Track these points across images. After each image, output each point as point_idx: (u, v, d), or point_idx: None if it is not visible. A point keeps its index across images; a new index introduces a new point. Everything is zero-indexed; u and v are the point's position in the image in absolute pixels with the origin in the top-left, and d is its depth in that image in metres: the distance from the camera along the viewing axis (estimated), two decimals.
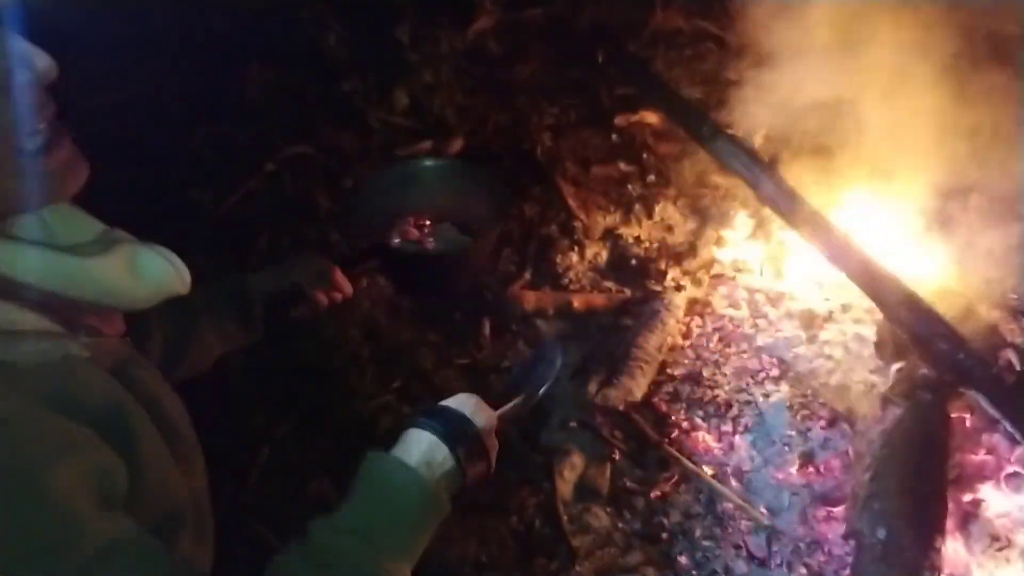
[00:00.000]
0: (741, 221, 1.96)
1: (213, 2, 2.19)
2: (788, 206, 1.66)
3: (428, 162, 1.47)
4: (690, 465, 1.57)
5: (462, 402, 0.92)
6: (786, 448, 1.57)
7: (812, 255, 1.74)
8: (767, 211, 1.90)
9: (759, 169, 1.70)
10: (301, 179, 2.03)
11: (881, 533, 1.27)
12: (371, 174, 1.56)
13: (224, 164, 2.01)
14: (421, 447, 0.84)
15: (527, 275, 1.94)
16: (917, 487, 1.32)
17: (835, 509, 1.46)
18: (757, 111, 2.09)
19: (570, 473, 1.61)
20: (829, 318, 1.71)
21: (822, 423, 1.57)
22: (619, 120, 2.18)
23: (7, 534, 0.57)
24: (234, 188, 1.95)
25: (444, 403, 0.91)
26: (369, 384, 1.68)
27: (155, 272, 0.78)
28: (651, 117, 2.17)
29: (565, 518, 1.55)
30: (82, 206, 0.80)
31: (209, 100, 2.07)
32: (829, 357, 1.66)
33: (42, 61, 0.65)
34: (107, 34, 1.91)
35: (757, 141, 1.90)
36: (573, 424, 1.66)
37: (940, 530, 1.28)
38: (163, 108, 1.98)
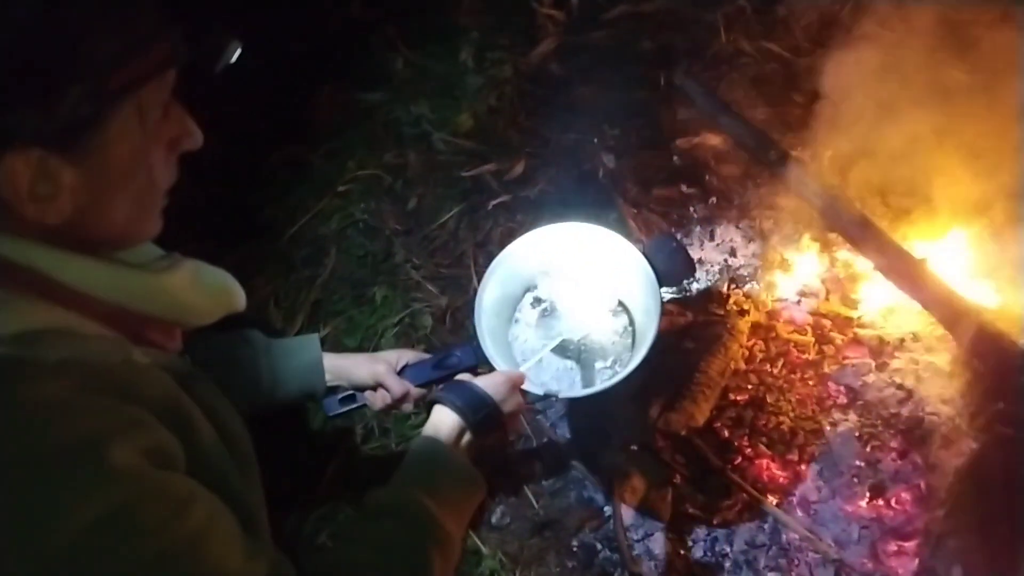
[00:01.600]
0: (806, 244, 1.93)
1: (290, 29, 2.29)
2: (858, 232, 1.63)
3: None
4: (754, 493, 1.55)
5: (494, 383, 1.10)
6: (855, 479, 1.53)
7: (882, 280, 1.71)
8: (834, 235, 1.88)
9: (827, 194, 1.68)
10: (369, 199, 2.09)
11: (956, 572, 1.23)
12: None
13: (297, 184, 2.08)
14: (442, 420, 1.04)
15: None
16: (994, 525, 1.28)
17: (906, 544, 1.43)
18: (824, 134, 2.07)
19: (631, 496, 1.61)
20: (900, 346, 1.67)
21: (893, 455, 1.54)
22: (681, 142, 2.17)
23: (74, 510, 0.60)
24: (306, 208, 2.01)
25: (473, 381, 1.10)
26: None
27: (217, 287, 0.84)
28: (713, 139, 2.16)
29: (627, 543, 1.55)
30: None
31: (284, 121, 2.15)
32: (900, 387, 1.62)
33: (200, 138, 0.77)
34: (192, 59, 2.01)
35: (823, 165, 1.87)
36: (634, 447, 1.66)
37: (1018, 570, 1.23)
38: (241, 129, 2.06)
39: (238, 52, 0.76)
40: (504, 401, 1.10)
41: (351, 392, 1.26)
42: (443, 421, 1.04)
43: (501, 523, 1.58)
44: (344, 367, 1.23)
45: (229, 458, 0.80)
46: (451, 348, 1.33)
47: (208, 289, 0.82)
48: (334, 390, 1.25)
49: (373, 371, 1.23)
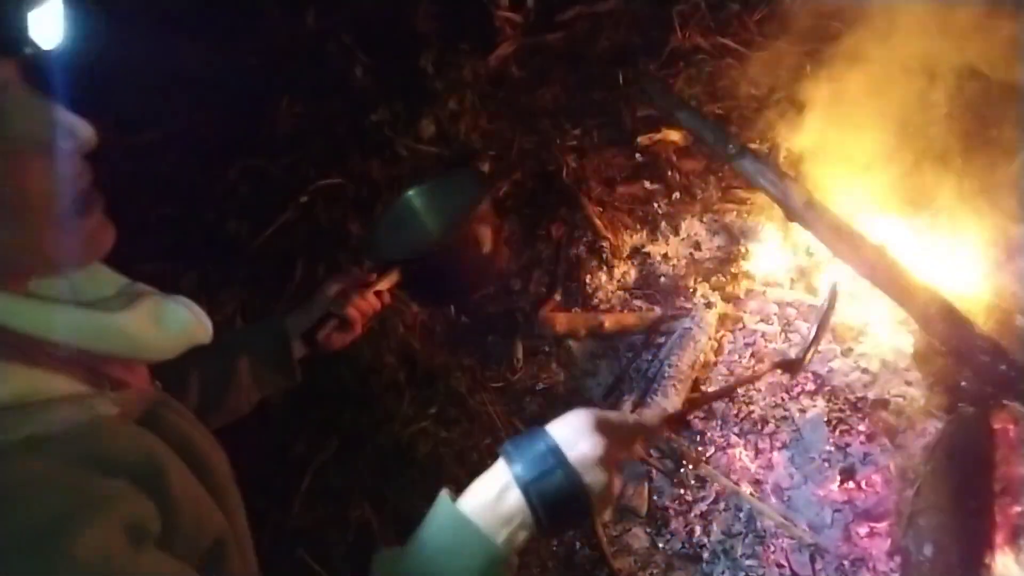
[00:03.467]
0: (769, 235, 1.96)
1: (244, 40, 2.26)
2: (816, 220, 1.66)
3: (410, 192, 1.52)
4: (729, 483, 1.57)
5: (573, 430, 0.77)
6: (826, 464, 1.56)
7: (843, 267, 1.74)
8: (795, 224, 1.91)
9: (786, 184, 1.71)
10: (334, 208, 2.07)
11: (928, 550, 1.26)
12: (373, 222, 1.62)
13: (259, 197, 2.05)
14: (502, 503, 0.74)
15: (557, 297, 1.96)
16: (963, 502, 1.31)
17: (879, 525, 1.45)
18: (779, 126, 2.10)
19: None
20: (864, 331, 1.70)
21: (861, 438, 1.56)
22: (642, 139, 2.20)
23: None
24: (269, 220, 1.99)
25: (554, 430, 0.77)
26: (406, 409, 1.71)
27: (179, 323, 0.79)
28: (674, 135, 2.18)
29: (605, 539, 1.56)
30: (124, 245, 0.82)
31: (242, 135, 2.12)
32: (865, 371, 1.65)
33: (84, 131, 0.66)
34: (143, 74, 1.98)
35: (781, 156, 1.90)
36: None
37: (989, 545, 1.26)
38: (199, 144, 2.03)
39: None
40: (583, 444, 0.77)
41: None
42: (504, 502, 0.75)
43: None
44: (304, 317, 1.20)
45: (204, 493, 0.76)
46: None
47: (168, 326, 0.77)
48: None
49: (325, 295, 1.19)
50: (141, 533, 0.64)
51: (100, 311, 0.72)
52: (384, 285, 1.26)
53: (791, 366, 1.12)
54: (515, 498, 0.74)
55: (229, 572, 0.78)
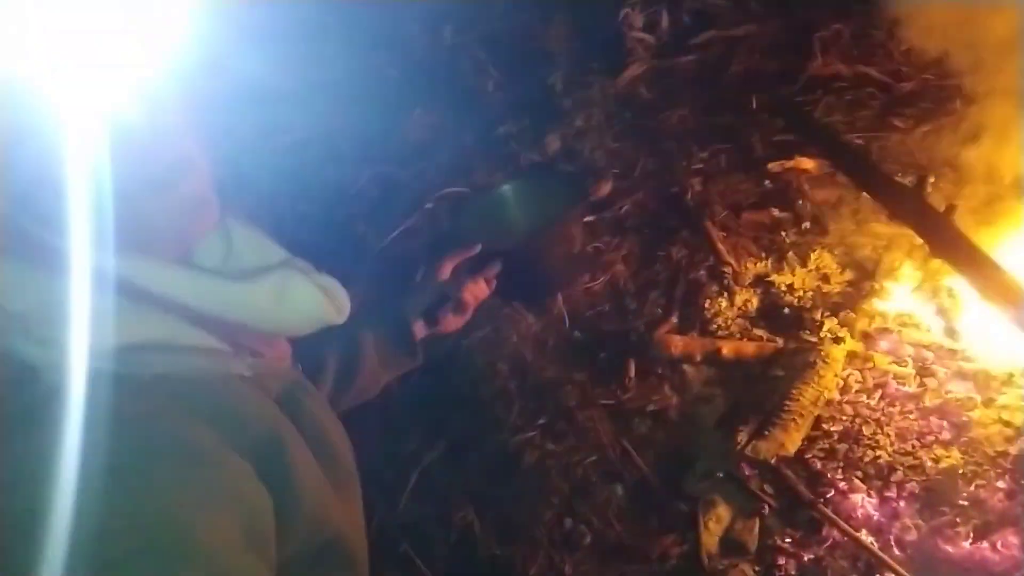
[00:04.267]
0: (906, 273, 1.85)
1: (384, 53, 2.36)
2: (966, 259, 1.56)
3: (505, 185, 1.57)
4: (848, 529, 1.49)
5: None
6: (957, 520, 1.45)
7: (989, 312, 1.62)
8: (936, 263, 1.80)
9: (933, 219, 1.61)
10: (457, 216, 2.12)
11: None
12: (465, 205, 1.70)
13: (387, 201, 2.13)
14: None
15: (674, 319, 1.92)
16: None
17: None
18: (925, 159, 2.00)
19: (715, 525, 1.56)
20: (1008, 381, 1.58)
21: (1000, 495, 1.45)
22: (773, 166, 2.13)
23: (107, 533, 0.57)
24: (395, 223, 2.06)
25: None
26: (515, 418, 1.71)
27: (303, 301, 0.78)
28: (807, 163, 2.11)
29: (709, 572, 1.50)
30: (269, 234, 0.83)
31: (375, 142, 2.22)
32: (1008, 424, 1.53)
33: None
34: (289, 80, 2.10)
35: (927, 189, 1.80)
36: (720, 474, 1.62)
37: None
38: (335, 149, 2.13)
39: None
40: None
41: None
42: None
43: (580, 542, 1.56)
44: (421, 298, 1.23)
45: (327, 483, 0.76)
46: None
47: (291, 302, 0.77)
48: None
49: (441, 278, 1.23)
50: (245, 524, 0.63)
51: (224, 278, 0.73)
52: (490, 272, 1.29)
53: None
54: None
55: (343, 567, 0.78)
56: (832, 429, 1.64)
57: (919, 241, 1.81)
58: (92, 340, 0.62)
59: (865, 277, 1.89)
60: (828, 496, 1.55)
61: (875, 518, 1.50)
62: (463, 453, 1.66)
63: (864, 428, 1.62)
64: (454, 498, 1.59)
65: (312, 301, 0.79)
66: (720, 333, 1.88)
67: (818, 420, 1.65)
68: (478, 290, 1.29)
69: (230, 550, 0.60)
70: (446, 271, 1.26)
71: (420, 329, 1.27)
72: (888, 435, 1.60)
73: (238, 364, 0.71)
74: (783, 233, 2.03)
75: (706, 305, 1.93)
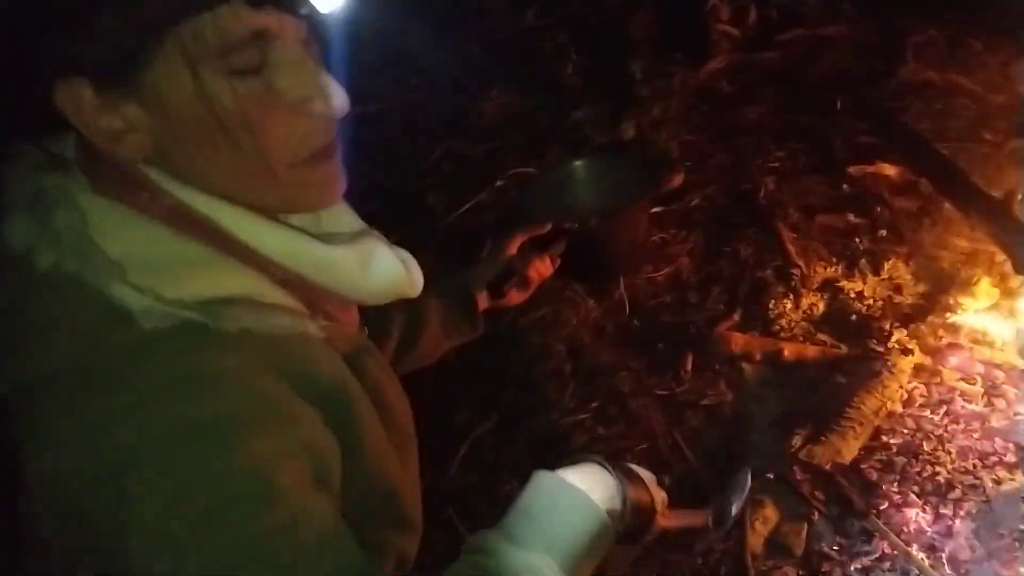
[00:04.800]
0: (984, 289, 1.79)
1: (465, 30, 2.39)
2: None
3: (577, 162, 1.57)
4: (899, 542, 1.45)
5: (646, 474, 0.92)
6: (1016, 544, 1.40)
7: None
8: (1015, 281, 1.73)
9: (1021, 235, 1.56)
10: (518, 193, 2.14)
11: None
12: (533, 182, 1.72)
13: (458, 176, 2.17)
14: (604, 488, 0.83)
15: (736, 316, 1.90)
16: None
17: None
18: (1016, 173, 1.92)
19: (762, 526, 1.54)
20: None
21: None
22: (853, 169, 2.08)
23: (197, 484, 0.59)
24: (465, 198, 2.09)
25: (628, 465, 0.91)
26: (568, 400, 1.73)
27: (384, 273, 0.80)
28: (889, 169, 2.05)
29: (753, 571, 1.49)
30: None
31: (452, 117, 2.25)
32: None
33: (340, 99, 0.68)
34: (372, 50, 2.15)
35: (1016, 203, 1.74)
36: (770, 476, 1.60)
37: None
38: (412, 122, 2.17)
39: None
40: (653, 488, 0.91)
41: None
42: (598, 482, 0.84)
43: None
44: (487, 270, 1.24)
45: (388, 444, 0.79)
46: None
47: (374, 271, 0.79)
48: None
49: (507, 252, 1.24)
50: (319, 464, 0.67)
51: (316, 242, 0.75)
52: (556, 250, 1.31)
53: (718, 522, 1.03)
54: (612, 481, 0.84)
55: (397, 525, 0.81)
56: (891, 441, 1.60)
57: (1001, 258, 1.75)
58: (185, 290, 0.64)
59: (940, 291, 1.83)
60: (881, 508, 1.52)
61: (928, 534, 1.47)
62: (514, 428, 1.69)
63: (925, 443, 1.58)
64: (501, 471, 1.61)
65: (394, 271, 0.81)
66: (782, 334, 1.85)
67: (877, 431, 1.61)
68: (543, 267, 1.30)
69: (306, 494, 0.63)
70: (514, 246, 1.28)
71: (483, 301, 1.29)
72: (949, 452, 1.55)
73: (313, 326, 0.73)
74: (857, 239, 1.99)
75: (770, 305, 1.90)
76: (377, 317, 1.01)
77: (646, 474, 0.92)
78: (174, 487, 0.60)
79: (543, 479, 0.83)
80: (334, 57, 0.76)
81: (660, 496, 0.92)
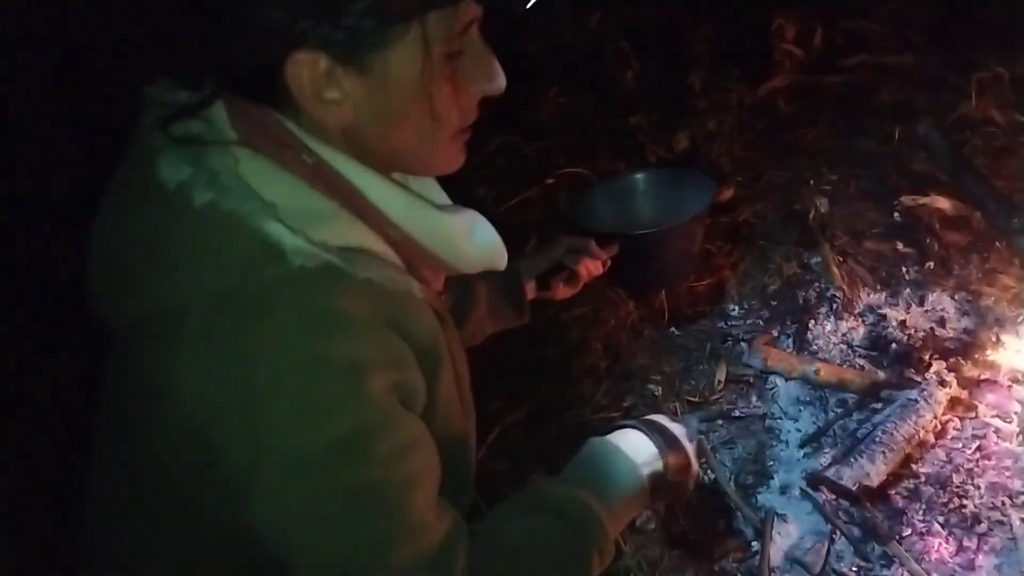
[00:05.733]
0: None
1: (530, 29, 2.43)
2: None
3: (637, 174, 1.59)
4: (920, 570, 1.45)
5: (676, 425, 1.03)
6: None
7: None
8: None
9: None
10: (573, 196, 2.17)
11: None
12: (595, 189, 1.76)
13: (510, 171, 2.20)
14: (644, 450, 0.97)
15: (774, 332, 1.91)
16: None
17: None
18: None
19: (782, 539, 1.55)
20: None
21: None
22: (905, 199, 2.08)
23: (324, 423, 0.66)
24: (515, 193, 2.12)
25: (661, 421, 1.03)
26: (600, 397, 1.75)
27: (485, 242, 0.88)
28: (942, 202, 2.04)
29: None
30: None
31: (508, 113, 2.28)
32: None
33: (503, 80, 0.81)
34: None
35: None
36: (796, 492, 1.61)
37: None
38: None
39: None
40: (685, 437, 1.04)
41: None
42: (638, 445, 0.98)
43: (645, 527, 1.58)
44: (538, 262, 1.32)
45: (459, 401, 0.86)
46: None
47: (478, 240, 0.87)
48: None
49: (559, 248, 1.32)
50: (411, 399, 0.74)
51: (435, 208, 0.83)
52: (608, 254, 1.34)
53: None
54: (653, 448, 0.97)
55: (460, 482, 0.86)
56: (921, 470, 1.60)
57: None
58: (327, 235, 0.70)
59: (984, 327, 1.83)
60: (905, 535, 1.51)
61: (949, 565, 1.46)
62: (545, 420, 1.71)
63: (954, 475, 1.57)
64: (529, 459, 1.64)
65: (493, 242, 0.89)
66: (820, 355, 1.85)
67: (907, 459, 1.61)
68: (593, 267, 1.34)
69: (416, 422, 0.72)
70: (566, 243, 1.32)
71: (531, 290, 1.32)
72: (978, 487, 1.55)
73: (417, 286, 0.79)
74: (904, 268, 1.98)
75: (810, 325, 1.91)
76: None
77: (678, 428, 1.03)
78: (306, 421, 0.66)
79: (595, 444, 0.98)
80: None
81: (691, 448, 1.04)
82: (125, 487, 0.78)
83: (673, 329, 1.95)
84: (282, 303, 0.66)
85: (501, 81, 0.80)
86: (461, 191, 2.17)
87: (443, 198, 0.90)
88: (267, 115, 0.73)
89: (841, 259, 2.02)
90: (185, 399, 0.66)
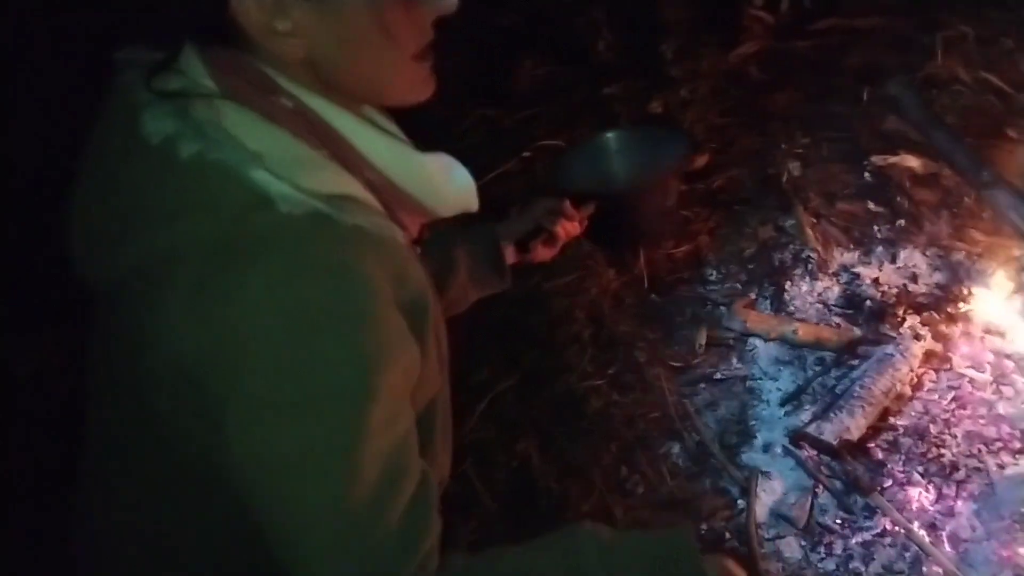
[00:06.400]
0: (998, 281, 1.83)
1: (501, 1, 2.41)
2: None
3: (610, 133, 1.59)
4: (901, 519, 1.50)
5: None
6: (1016, 526, 1.44)
7: None
8: None
9: None
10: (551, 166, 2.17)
11: None
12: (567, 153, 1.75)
13: (487, 144, 2.20)
14: None
15: (752, 295, 1.94)
16: None
17: None
18: None
19: (767, 496, 1.59)
20: None
21: None
22: (876, 159, 2.11)
23: (307, 367, 0.66)
24: (493, 167, 2.12)
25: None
26: (586, 364, 1.77)
27: (463, 180, 0.88)
28: (912, 161, 2.08)
29: (756, 540, 1.54)
30: None
31: (484, 86, 2.28)
32: None
33: None
34: None
35: None
36: (779, 449, 1.64)
37: None
38: (445, 87, 2.20)
39: None
40: None
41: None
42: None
43: (633, 491, 1.62)
44: (516, 226, 1.31)
45: (439, 353, 0.86)
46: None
47: (455, 180, 0.87)
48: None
49: (537, 211, 1.31)
50: (405, 370, 0.74)
51: (409, 147, 0.83)
52: (584, 213, 1.34)
53: None
54: None
55: (442, 436, 0.87)
56: (899, 423, 1.64)
57: (1017, 251, 1.79)
58: (314, 183, 0.70)
59: (955, 281, 1.87)
60: (886, 486, 1.56)
61: (930, 513, 1.51)
62: (534, 388, 1.73)
63: (932, 426, 1.62)
64: (520, 429, 1.66)
65: (469, 183, 0.88)
66: (797, 315, 1.89)
67: (886, 412, 1.65)
68: (571, 227, 1.34)
69: (401, 399, 0.71)
70: (543, 205, 1.32)
71: (511, 254, 1.33)
72: (955, 436, 1.60)
73: (400, 233, 0.79)
74: (876, 227, 2.02)
75: (787, 286, 1.94)
76: None
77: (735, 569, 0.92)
78: (286, 365, 0.66)
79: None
80: None
81: None
82: (118, 446, 0.78)
83: (654, 296, 1.97)
84: (271, 250, 0.66)
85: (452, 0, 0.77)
86: None
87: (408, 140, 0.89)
88: (239, 59, 0.73)
89: (815, 220, 2.05)
90: (175, 343, 0.66)
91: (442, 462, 0.91)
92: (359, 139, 0.77)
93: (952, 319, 1.80)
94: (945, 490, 1.53)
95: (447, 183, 0.86)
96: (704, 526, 1.58)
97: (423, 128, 2.15)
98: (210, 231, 0.67)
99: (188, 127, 0.70)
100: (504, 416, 1.69)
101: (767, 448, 1.67)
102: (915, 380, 1.70)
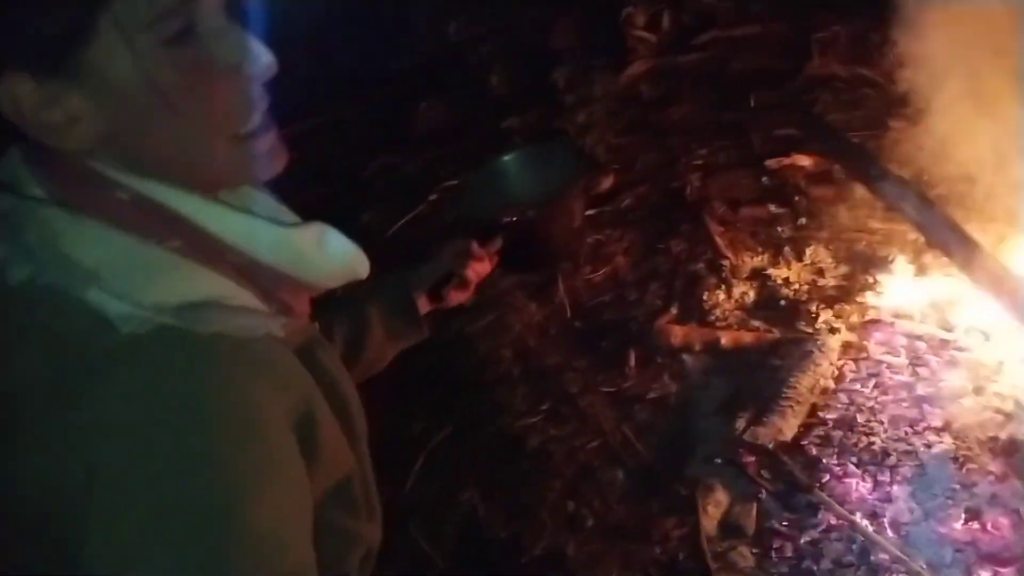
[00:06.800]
0: (900, 267, 1.90)
1: (392, 46, 2.41)
2: (961, 250, 1.61)
3: (506, 157, 1.57)
4: (843, 512, 1.53)
5: None
6: (950, 502, 1.49)
7: (980, 303, 1.67)
8: (928, 257, 1.85)
9: (930, 211, 1.66)
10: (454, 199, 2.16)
11: None
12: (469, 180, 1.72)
13: (393, 191, 2.17)
14: None
15: (674, 310, 1.96)
16: None
17: (1003, 571, 1.38)
18: (918, 158, 2.05)
19: (714, 509, 1.60)
20: (1000, 370, 1.63)
21: (991, 478, 1.49)
22: (770, 163, 2.19)
23: (171, 505, 0.59)
24: (403, 212, 2.10)
25: None
26: (519, 403, 1.75)
27: (341, 251, 0.80)
28: (804, 160, 2.16)
29: (709, 554, 1.54)
30: None
31: (383, 133, 2.26)
32: (999, 411, 1.58)
33: (268, 58, 0.69)
34: (302, 67, 2.13)
35: (923, 182, 1.85)
36: (719, 460, 1.66)
37: None
38: (344, 138, 2.17)
39: None
40: None
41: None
42: None
43: (583, 525, 1.60)
44: (425, 274, 1.27)
45: (342, 436, 0.79)
46: None
47: (331, 251, 0.79)
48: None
49: (446, 256, 1.26)
50: (289, 480, 0.66)
51: (274, 224, 0.75)
52: (493, 248, 1.32)
53: None
54: None
55: (358, 510, 0.82)
56: (828, 417, 1.68)
57: (913, 235, 1.86)
58: (160, 295, 0.64)
59: (860, 271, 1.94)
60: (824, 481, 1.59)
61: (869, 501, 1.55)
62: (469, 436, 1.70)
63: (858, 415, 1.66)
64: (461, 480, 1.62)
65: (348, 249, 0.80)
66: (719, 324, 1.92)
67: (814, 408, 1.69)
68: (480, 267, 1.31)
69: (282, 526, 0.63)
70: (451, 250, 1.30)
71: (425, 303, 1.29)
72: (882, 422, 1.64)
73: (275, 325, 0.73)
74: (780, 228, 2.08)
75: (704, 297, 1.98)
76: (319, 323, 1.01)
77: None
78: (147, 504, 0.59)
79: None
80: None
81: None
82: None
83: (577, 323, 1.97)
84: (114, 374, 0.61)
85: (259, 57, 0.68)
86: (344, 219, 2.13)
87: (290, 217, 0.81)
88: (59, 157, 0.66)
89: (722, 228, 2.10)
90: (27, 485, 0.61)
91: (366, 532, 0.86)
92: (211, 222, 0.70)
93: (862, 308, 1.86)
94: (880, 476, 1.57)
95: (320, 254, 0.78)
96: (658, 549, 1.58)
97: (327, 182, 2.13)
98: (48, 362, 0.62)
99: (17, 250, 0.64)
100: (443, 469, 1.65)
101: (708, 460, 1.68)
102: (836, 373, 1.74)
